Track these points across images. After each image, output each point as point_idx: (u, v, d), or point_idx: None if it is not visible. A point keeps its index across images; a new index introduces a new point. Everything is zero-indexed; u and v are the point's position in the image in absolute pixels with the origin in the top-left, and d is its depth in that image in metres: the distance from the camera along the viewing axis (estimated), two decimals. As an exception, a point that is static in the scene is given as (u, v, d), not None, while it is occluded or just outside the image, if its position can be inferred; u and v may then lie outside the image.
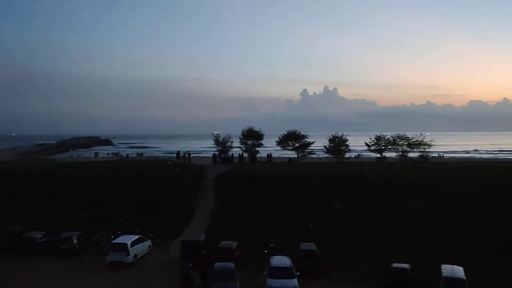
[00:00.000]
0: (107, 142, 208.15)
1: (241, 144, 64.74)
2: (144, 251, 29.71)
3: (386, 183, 40.35)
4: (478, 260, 26.61)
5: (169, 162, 56.46)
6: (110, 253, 27.63)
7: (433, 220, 33.31)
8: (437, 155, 70.92)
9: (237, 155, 63.99)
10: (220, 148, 63.87)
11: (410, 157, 63.86)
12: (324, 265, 26.38)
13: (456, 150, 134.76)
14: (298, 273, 23.63)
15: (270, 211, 36.38)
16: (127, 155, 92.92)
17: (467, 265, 23.86)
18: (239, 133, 65.54)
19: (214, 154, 65.19)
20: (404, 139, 64.69)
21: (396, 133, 67.39)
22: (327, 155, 67.91)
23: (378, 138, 66.41)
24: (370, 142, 67.23)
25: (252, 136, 64.52)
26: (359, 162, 62.88)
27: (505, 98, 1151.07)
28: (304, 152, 66.74)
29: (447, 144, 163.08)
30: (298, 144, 66.23)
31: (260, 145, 65.34)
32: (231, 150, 64.22)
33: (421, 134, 65.71)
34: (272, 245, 29.73)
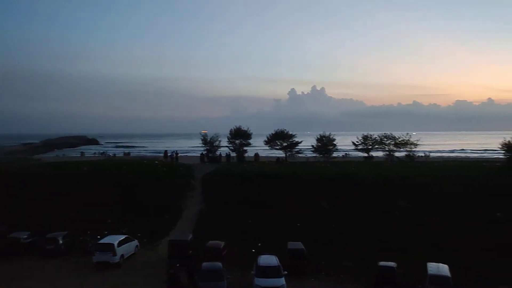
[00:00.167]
0: (93, 141, 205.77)
1: (229, 144, 64.74)
2: (131, 251, 29.49)
3: (373, 182, 40.74)
4: (463, 257, 27.00)
5: (156, 162, 56.21)
6: (97, 254, 27.34)
7: (419, 218, 33.74)
8: (423, 155, 71.65)
9: (225, 155, 63.96)
10: (208, 147, 63.80)
11: (396, 157, 64.51)
12: (311, 263, 26.51)
13: (442, 149, 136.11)
14: (286, 272, 23.68)
15: (257, 210, 36.42)
16: (114, 154, 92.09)
17: (452, 262, 24.20)
18: (227, 133, 65.52)
19: (201, 154, 65.07)
20: (390, 139, 65.43)
21: (383, 132, 68.13)
22: (314, 155, 68.25)
23: (365, 138, 67.01)
24: (357, 142, 67.80)
25: (240, 136, 64.59)
26: (347, 161, 63.29)
27: (489, 98, 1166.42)
28: (292, 151, 67.03)
29: (433, 143, 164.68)
30: (286, 144, 66.51)
31: (248, 144, 65.40)
32: (219, 149, 64.20)
33: (407, 133, 66.64)
34: (259, 244, 29.75)
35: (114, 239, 28.23)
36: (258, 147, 74.38)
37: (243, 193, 39.79)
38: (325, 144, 65.92)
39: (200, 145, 66.42)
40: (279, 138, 66.72)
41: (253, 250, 28.49)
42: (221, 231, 31.15)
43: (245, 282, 24.25)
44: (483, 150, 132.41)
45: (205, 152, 64.20)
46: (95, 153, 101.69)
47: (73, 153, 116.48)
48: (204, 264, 23.78)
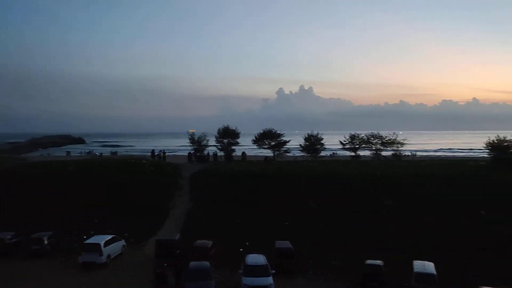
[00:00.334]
0: (79, 140, 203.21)
1: (217, 143, 64.56)
2: (118, 251, 29.26)
3: (360, 181, 40.98)
4: (449, 255, 27.34)
5: (144, 161, 55.78)
6: (83, 254, 27.08)
7: (406, 216, 34.04)
8: (410, 154, 72.32)
9: (212, 154, 63.79)
10: (195, 146, 63.54)
11: (383, 156, 64.95)
12: (299, 262, 26.58)
13: (428, 148, 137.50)
14: (274, 271, 23.70)
15: (246, 209, 36.40)
16: (101, 154, 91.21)
17: (438, 260, 24.45)
18: (215, 132, 65.34)
19: (189, 153, 64.78)
20: (377, 138, 65.78)
21: (370, 131, 68.49)
22: (302, 154, 68.41)
23: (353, 137, 67.26)
24: (344, 141, 68.00)
25: (228, 135, 64.43)
26: (334, 160, 63.54)
27: (474, 98, 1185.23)
28: (280, 150, 67.08)
29: (420, 142, 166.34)
30: (274, 143, 66.54)
31: (236, 143, 65.31)
32: (206, 148, 63.99)
33: (394, 132, 67.13)
34: (247, 243, 29.75)
35: (101, 239, 27.97)
36: (246, 146, 74.29)
37: (231, 192, 39.72)
38: (313, 143, 66.09)
39: (188, 144, 66.11)
40: (267, 137, 66.71)
41: (241, 249, 28.50)
42: (209, 231, 31.07)
43: (232, 281, 24.23)
44: (468, 149, 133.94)
45: (193, 151, 63.92)
46: (81, 153, 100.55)
47: (58, 152, 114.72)
48: (192, 263, 23.69)
